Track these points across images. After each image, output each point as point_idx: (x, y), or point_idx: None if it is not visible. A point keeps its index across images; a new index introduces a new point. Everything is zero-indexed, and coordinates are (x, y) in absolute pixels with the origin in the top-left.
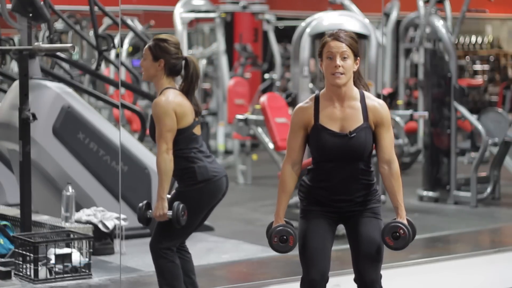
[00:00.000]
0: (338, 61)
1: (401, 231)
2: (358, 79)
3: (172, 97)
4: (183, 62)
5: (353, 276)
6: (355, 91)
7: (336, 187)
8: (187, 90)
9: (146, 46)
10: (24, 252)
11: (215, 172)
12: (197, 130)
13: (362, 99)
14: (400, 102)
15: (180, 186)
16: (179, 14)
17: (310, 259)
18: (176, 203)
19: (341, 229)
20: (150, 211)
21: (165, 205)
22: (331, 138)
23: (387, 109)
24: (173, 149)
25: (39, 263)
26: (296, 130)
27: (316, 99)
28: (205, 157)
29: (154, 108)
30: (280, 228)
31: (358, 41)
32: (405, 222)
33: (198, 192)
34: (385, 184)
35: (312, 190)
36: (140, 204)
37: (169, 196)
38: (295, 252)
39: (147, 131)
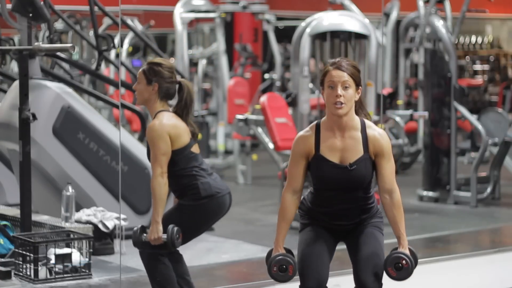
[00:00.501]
0: (340, 91)
1: (403, 262)
2: (360, 108)
3: (165, 120)
4: (177, 86)
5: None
6: (356, 121)
7: (335, 213)
8: (181, 114)
9: (140, 70)
10: (24, 252)
11: (219, 189)
12: (195, 149)
13: (363, 129)
14: (400, 102)
15: (183, 200)
16: (179, 14)
17: (307, 268)
18: (170, 226)
19: None
20: (145, 234)
21: (159, 229)
22: (331, 169)
23: (388, 139)
24: (174, 170)
25: (39, 263)
26: (297, 159)
27: (317, 128)
28: (207, 174)
29: (148, 133)
30: (280, 257)
31: (360, 70)
32: (408, 252)
33: (201, 208)
34: (386, 213)
35: (312, 212)
36: (135, 228)
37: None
38: (295, 252)
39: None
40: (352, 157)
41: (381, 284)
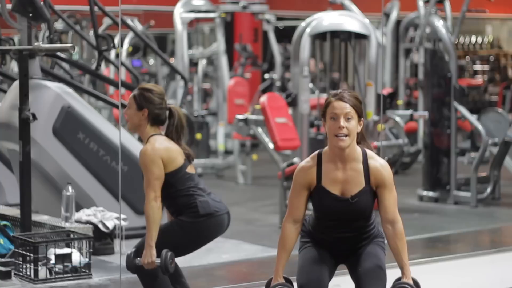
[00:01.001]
0: (342, 122)
1: None
2: (362, 139)
3: (158, 144)
4: (167, 112)
5: None
6: (358, 152)
7: (336, 240)
8: (173, 138)
9: (131, 95)
10: (24, 252)
11: (217, 208)
12: (191, 169)
13: (365, 160)
14: (400, 102)
15: (182, 217)
16: (179, 14)
17: (307, 285)
18: (164, 251)
19: None
20: (139, 258)
21: (153, 253)
22: (332, 201)
23: (389, 170)
24: (170, 191)
25: (39, 263)
26: (299, 189)
27: (319, 158)
28: (206, 193)
29: (141, 158)
30: (279, 286)
31: (362, 101)
32: (411, 282)
33: (199, 226)
34: (389, 243)
35: (313, 234)
36: (129, 252)
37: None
38: (296, 251)
39: None
40: (354, 190)
41: None
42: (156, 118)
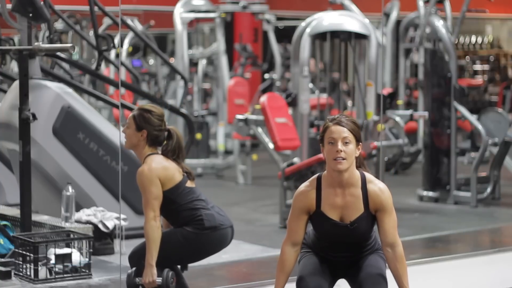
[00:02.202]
0: (340, 146)
1: None
2: (360, 164)
3: (155, 164)
4: (166, 133)
5: None
6: (357, 177)
7: (338, 258)
8: (171, 158)
9: (131, 115)
10: (24, 252)
11: (222, 221)
12: (190, 184)
13: (363, 184)
14: (400, 102)
15: (187, 227)
16: (179, 14)
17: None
18: (166, 270)
19: None
20: (139, 278)
21: (154, 272)
22: (331, 227)
23: (388, 194)
24: (172, 208)
25: (39, 263)
26: (298, 213)
27: (318, 183)
28: (209, 206)
29: (138, 178)
30: None
31: (360, 126)
32: None
33: (203, 238)
34: (389, 266)
35: (313, 248)
36: (129, 271)
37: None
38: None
39: None
40: (353, 215)
41: None
42: (154, 139)
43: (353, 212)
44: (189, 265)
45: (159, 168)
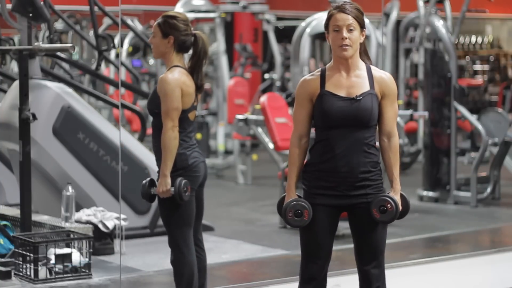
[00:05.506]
0: (345, 33)
1: (388, 205)
2: (363, 52)
3: (178, 76)
4: (192, 38)
5: (353, 276)
6: (361, 63)
7: (339, 158)
8: (194, 66)
9: (155, 23)
10: (24, 252)
11: (194, 158)
12: (192, 115)
13: (369, 70)
14: (400, 102)
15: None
16: None
17: (310, 254)
18: (178, 179)
19: (341, 229)
20: (154, 188)
21: (168, 182)
22: (337, 102)
23: (394, 82)
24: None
25: (39, 263)
26: (302, 102)
27: (322, 71)
28: (189, 144)
29: (161, 85)
30: (294, 202)
31: (363, 12)
32: (396, 197)
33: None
34: (383, 156)
35: (315, 170)
36: (144, 181)
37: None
38: (295, 252)
39: (147, 131)
40: (359, 92)
41: (382, 270)
42: (181, 44)
43: (359, 89)
44: None
45: (181, 80)
